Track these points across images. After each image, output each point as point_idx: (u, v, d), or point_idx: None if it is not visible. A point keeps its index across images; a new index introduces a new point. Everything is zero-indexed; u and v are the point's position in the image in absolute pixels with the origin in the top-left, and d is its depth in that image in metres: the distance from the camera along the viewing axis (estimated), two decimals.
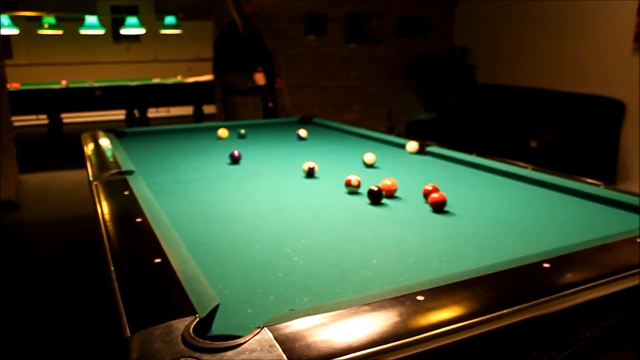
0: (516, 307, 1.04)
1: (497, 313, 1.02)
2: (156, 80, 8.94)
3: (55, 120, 8.39)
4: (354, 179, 2.12)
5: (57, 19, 9.84)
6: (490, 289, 1.12)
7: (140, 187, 2.06)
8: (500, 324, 1.00)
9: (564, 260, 1.28)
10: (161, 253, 1.32)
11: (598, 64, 5.09)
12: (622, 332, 1.25)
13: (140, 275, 1.24)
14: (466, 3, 6.93)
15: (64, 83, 8.66)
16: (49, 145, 8.26)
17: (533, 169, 2.32)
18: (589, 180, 2.11)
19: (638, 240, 1.42)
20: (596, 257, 1.33)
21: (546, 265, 1.24)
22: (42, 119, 8.97)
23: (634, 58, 4.73)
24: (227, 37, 4.84)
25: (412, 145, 2.92)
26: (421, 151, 2.92)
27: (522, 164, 2.42)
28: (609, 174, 4.86)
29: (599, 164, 4.84)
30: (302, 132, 3.44)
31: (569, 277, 1.21)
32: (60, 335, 2.86)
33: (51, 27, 9.77)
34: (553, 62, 5.59)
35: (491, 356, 1.04)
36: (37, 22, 9.89)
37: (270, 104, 4.80)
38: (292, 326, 0.94)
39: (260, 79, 4.66)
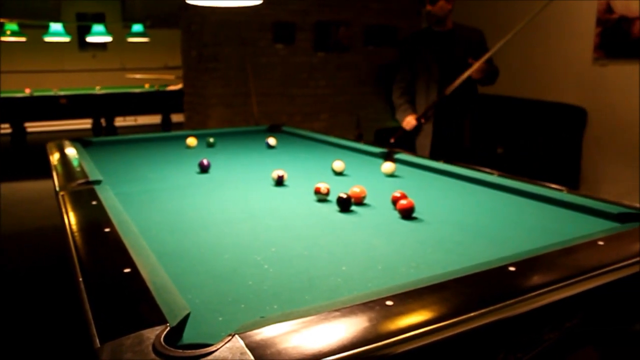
0: (483, 310, 1.06)
1: (465, 316, 1.04)
2: (123, 89, 8.84)
3: (19, 130, 8.21)
4: (323, 186, 2.13)
5: (20, 25, 9.64)
6: (457, 293, 1.14)
7: (108, 196, 2.03)
8: (467, 326, 1.03)
9: (529, 264, 1.31)
10: (130, 263, 1.31)
11: (561, 72, 5.23)
12: (585, 331, 1.29)
13: (109, 285, 1.23)
14: None
15: (27, 91, 8.50)
16: (13, 155, 8.08)
17: (499, 175, 2.37)
18: (553, 186, 2.16)
19: (599, 243, 1.47)
20: (560, 260, 1.37)
21: (512, 268, 1.27)
22: (5, 129, 8.78)
23: (595, 67, 4.87)
24: (417, 38, 3.72)
25: (387, 167, 2.60)
26: (389, 158, 2.92)
27: (489, 170, 2.46)
28: (572, 179, 4.97)
29: (563, 169, 4.95)
30: (271, 141, 3.44)
31: (534, 280, 1.24)
32: (29, 348, 2.80)
33: (14, 34, 9.56)
34: (518, 71, 5.71)
35: (459, 358, 1.06)
36: None
37: (392, 140, 3.55)
38: (263, 333, 0.95)
39: (409, 123, 3.51)
